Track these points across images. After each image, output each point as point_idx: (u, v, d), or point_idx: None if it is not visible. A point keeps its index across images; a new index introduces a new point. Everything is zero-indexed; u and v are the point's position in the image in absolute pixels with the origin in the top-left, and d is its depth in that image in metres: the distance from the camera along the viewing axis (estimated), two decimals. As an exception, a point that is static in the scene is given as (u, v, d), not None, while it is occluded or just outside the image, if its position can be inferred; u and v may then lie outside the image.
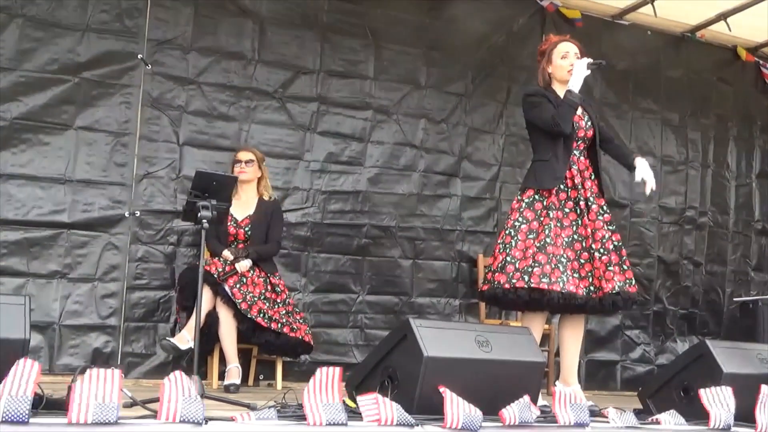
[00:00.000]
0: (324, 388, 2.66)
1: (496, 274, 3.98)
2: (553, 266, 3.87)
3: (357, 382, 3.17)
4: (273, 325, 4.79)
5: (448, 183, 6.11)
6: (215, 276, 4.73)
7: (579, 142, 4.12)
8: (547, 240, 3.93)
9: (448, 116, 6.14)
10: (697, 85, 7.09)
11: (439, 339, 3.04)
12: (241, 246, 5.01)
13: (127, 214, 5.13)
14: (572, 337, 4.12)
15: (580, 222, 4.03)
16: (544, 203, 4.02)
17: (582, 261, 3.98)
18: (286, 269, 5.40)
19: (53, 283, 4.92)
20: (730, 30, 6.67)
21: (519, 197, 4.12)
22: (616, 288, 3.95)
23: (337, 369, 2.71)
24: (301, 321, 5.00)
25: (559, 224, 3.99)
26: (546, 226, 3.96)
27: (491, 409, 2.93)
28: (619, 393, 6.25)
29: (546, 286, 3.83)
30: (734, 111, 7.29)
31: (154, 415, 2.45)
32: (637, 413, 3.33)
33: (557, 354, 4.77)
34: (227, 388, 4.62)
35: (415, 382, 2.93)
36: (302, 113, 5.68)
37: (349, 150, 5.81)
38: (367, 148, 5.85)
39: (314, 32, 5.75)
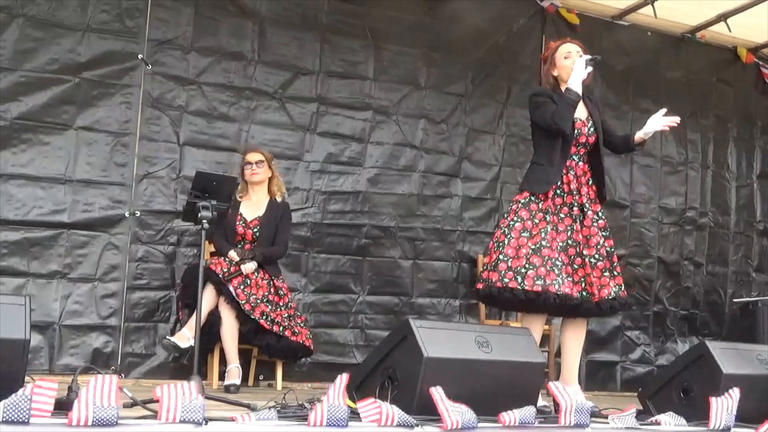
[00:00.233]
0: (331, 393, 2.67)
1: (490, 272, 4.00)
2: (548, 268, 3.88)
3: (357, 383, 3.16)
4: (275, 328, 4.79)
5: (448, 183, 6.11)
6: (220, 276, 4.73)
7: (579, 147, 4.12)
8: (543, 243, 3.94)
9: (447, 117, 6.14)
10: (696, 86, 7.10)
11: (439, 340, 3.04)
12: (247, 247, 5.01)
13: (127, 214, 5.13)
14: (574, 340, 4.13)
15: (574, 228, 4.04)
16: (540, 206, 4.04)
17: (575, 266, 3.99)
18: (286, 269, 5.39)
19: (53, 283, 4.92)
20: (730, 31, 6.68)
21: (516, 198, 4.14)
22: (612, 294, 3.98)
23: (345, 375, 2.72)
24: (302, 325, 5.00)
25: (554, 228, 4.00)
26: (542, 229, 3.97)
27: (491, 410, 2.93)
28: (619, 394, 6.25)
29: (540, 289, 3.84)
30: (734, 112, 7.29)
31: (155, 415, 2.45)
32: (637, 414, 3.33)
33: (557, 354, 4.78)
34: (227, 389, 4.62)
35: (415, 383, 2.93)
36: (302, 114, 5.69)
37: (349, 150, 5.81)
38: (366, 149, 5.86)
39: (314, 33, 5.75)
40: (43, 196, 4.93)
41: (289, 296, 5.06)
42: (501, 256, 3.95)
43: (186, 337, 4.60)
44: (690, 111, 7.03)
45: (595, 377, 6.39)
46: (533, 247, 3.93)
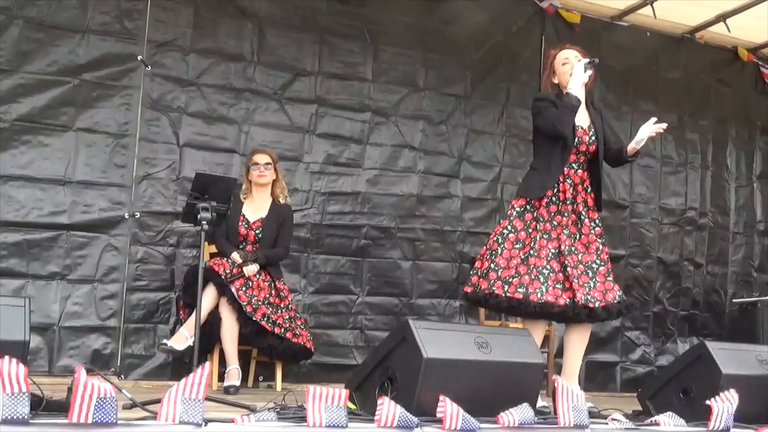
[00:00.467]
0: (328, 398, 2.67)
1: (480, 279, 4.07)
2: (533, 277, 3.93)
3: (356, 384, 3.17)
4: (277, 330, 4.78)
5: (448, 184, 6.11)
6: (222, 277, 4.73)
7: (580, 155, 4.13)
8: (531, 252, 3.99)
9: (447, 118, 6.14)
10: (696, 87, 7.10)
11: (438, 340, 3.04)
12: (249, 248, 5.00)
13: (126, 216, 5.13)
14: (577, 343, 4.15)
15: (571, 235, 4.07)
16: (534, 214, 4.08)
17: (567, 273, 4.00)
18: (286, 270, 5.38)
19: (53, 285, 4.92)
20: (729, 31, 6.67)
21: (513, 204, 4.18)
22: (617, 298, 4.03)
23: (344, 392, 2.72)
24: (302, 327, 4.99)
25: (546, 236, 4.03)
26: (533, 239, 4.03)
27: (490, 410, 2.93)
28: (619, 394, 6.25)
29: (522, 296, 3.89)
30: (734, 112, 7.29)
31: (154, 416, 2.45)
32: (637, 414, 3.33)
33: (557, 355, 4.79)
34: (227, 390, 4.61)
35: (415, 384, 2.93)
36: (301, 115, 5.69)
37: (348, 152, 5.81)
38: (365, 150, 5.86)
39: (313, 34, 5.75)
40: (42, 198, 4.93)
41: (290, 298, 5.06)
42: (492, 265, 4.03)
43: (183, 338, 4.59)
44: (689, 111, 7.04)
45: (594, 378, 6.39)
46: (523, 257, 4.00)
